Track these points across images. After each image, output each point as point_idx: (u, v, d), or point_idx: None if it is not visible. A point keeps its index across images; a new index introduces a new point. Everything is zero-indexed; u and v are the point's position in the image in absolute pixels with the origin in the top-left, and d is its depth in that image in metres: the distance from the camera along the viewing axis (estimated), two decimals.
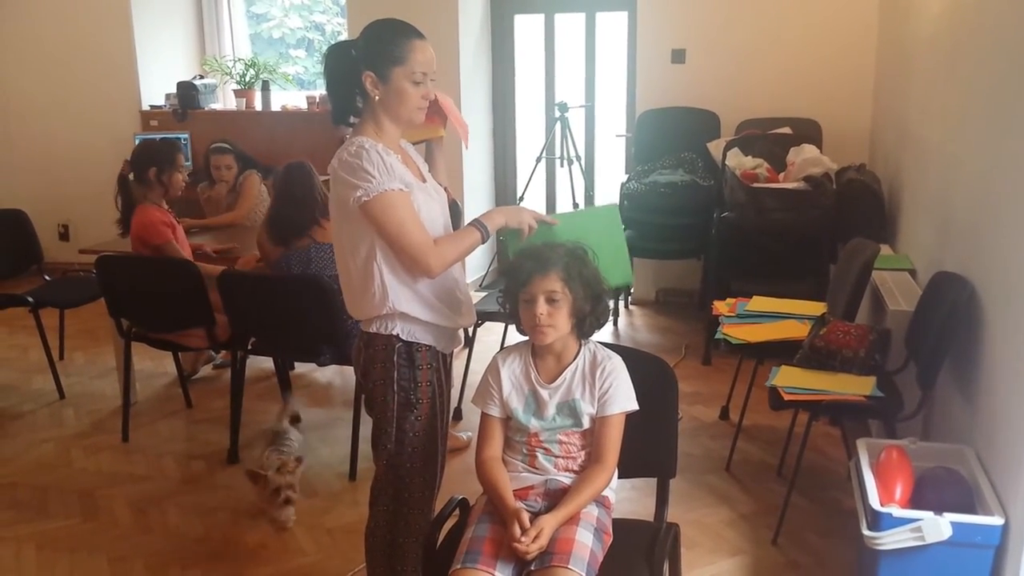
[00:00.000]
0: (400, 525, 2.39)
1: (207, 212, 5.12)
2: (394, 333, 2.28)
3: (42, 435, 4.16)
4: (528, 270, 2.17)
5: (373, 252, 2.23)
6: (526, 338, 2.27)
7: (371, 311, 2.28)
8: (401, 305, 2.25)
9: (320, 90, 6.49)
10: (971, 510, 2.41)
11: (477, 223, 2.31)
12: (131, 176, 4.05)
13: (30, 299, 4.57)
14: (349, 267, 2.29)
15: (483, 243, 2.32)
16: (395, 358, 2.29)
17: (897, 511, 2.38)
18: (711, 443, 3.88)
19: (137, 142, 6.06)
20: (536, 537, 2.01)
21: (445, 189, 2.54)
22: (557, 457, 2.22)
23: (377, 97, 2.24)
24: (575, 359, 2.25)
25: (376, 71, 2.22)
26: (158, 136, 5.91)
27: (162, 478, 3.72)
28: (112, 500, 3.54)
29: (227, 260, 4.25)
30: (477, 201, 6.24)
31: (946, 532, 2.30)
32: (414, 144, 2.52)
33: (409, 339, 2.30)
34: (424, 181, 2.37)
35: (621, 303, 5.69)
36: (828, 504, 3.34)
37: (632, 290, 5.88)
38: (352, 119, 2.33)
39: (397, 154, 2.27)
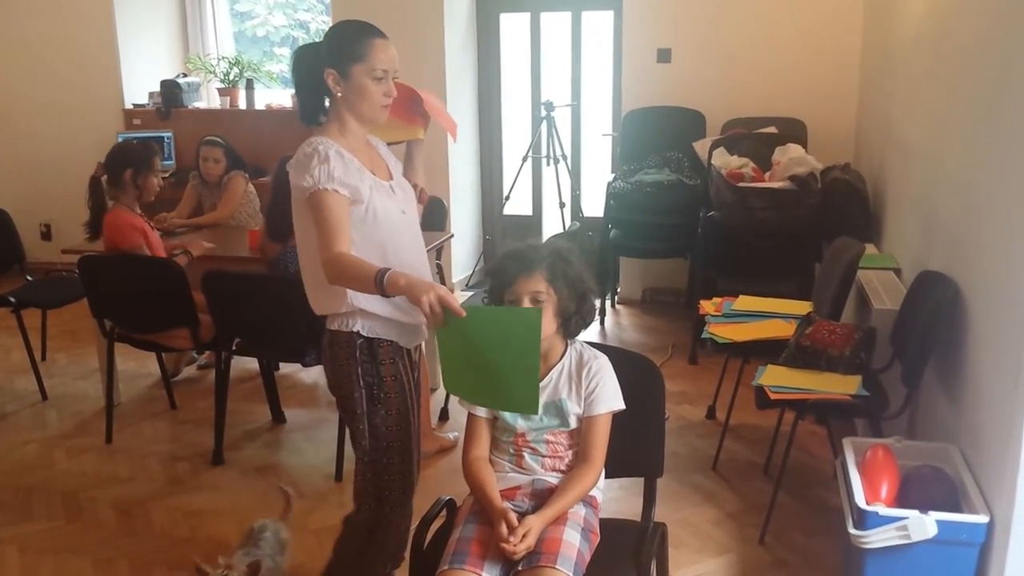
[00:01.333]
0: (381, 522, 2.42)
1: (186, 207, 5.02)
2: (355, 330, 2.30)
3: (25, 436, 4.13)
4: (512, 271, 2.16)
5: None
6: None
7: (332, 307, 2.31)
8: (360, 302, 2.27)
9: None
10: (956, 508, 2.42)
11: (381, 274, 2.08)
12: (104, 178, 3.98)
13: (12, 299, 4.54)
14: (310, 264, 2.31)
15: (374, 290, 2.10)
16: (357, 354, 2.31)
17: (883, 510, 2.39)
18: (698, 442, 3.89)
19: (120, 140, 6.07)
20: (523, 537, 2.01)
21: (420, 189, 2.59)
22: (544, 457, 2.22)
23: (339, 94, 2.29)
24: (561, 359, 2.24)
25: (337, 68, 2.26)
26: (140, 136, 5.88)
27: (146, 479, 3.69)
28: (96, 502, 3.51)
29: (209, 261, 4.19)
30: (463, 200, 6.23)
31: (931, 530, 2.31)
32: (390, 145, 2.54)
33: (370, 335, 2.32)
34: (391, 179, 2.40)
35: (608, 302, 5.69)
36: (814, 503, 3.35)
37: (619, 289, 5.89)
38: (322, 118, 2.36)
39: (358, 154, 2.30)
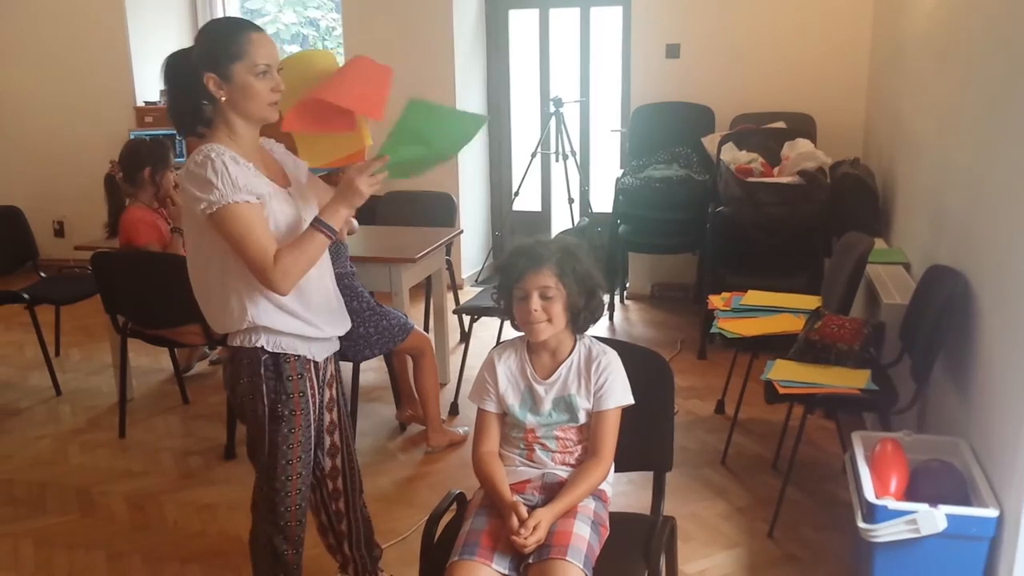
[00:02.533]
0: (278, 537, 2.38)
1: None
2: (259, 345, 2.21)
3: (39, 432, 4.16)
4: (521, 266, 2.17)
5: (227, 265, 2.16)
6: (522, 334, 2.28)
7: (232, 326, 2.22)
8: (261, 319, 2.18)
9: None
10: (966, 502, 2.42)
11: (317, 223, 2.14)
12: (119, 176, 4.01)
13: (26, 296, 4.57)
14: (205, 281, 2.23)
15: (332, 242, 2.17)
16: (261, 371, 2.23)
17: (892, 503, 2.40)
18: (707, 437, 3.89)
19: (132, 139, 6.09)
20: (534, 530, 2.02)
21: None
22: (554, 452, 2.23)
23: (224, 98, 2.13)
24: (570, 354, 2.25)
25: (216, 71, 2.11)
26: (151, 133, 5.90)
27: (159, 474, 3.72)
28: (109, 496, 3.54)
29: None
30: (472, 196, 6.24)
31: (941, 524, 2.31)
32: (337, 170, 2.36)
33: (275, 350, 2.23)
34: (288, 185, 2.28)
35: (617, 298, 5.69)
36: (823, 497, 3.35)
37: (628, 284, 5.89)
38: (200, 129, 2.20)
39: (252, 160, 2.17)
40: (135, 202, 3.99)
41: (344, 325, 2.41)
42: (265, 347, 2.22)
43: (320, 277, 2.30)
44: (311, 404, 2.32)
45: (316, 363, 2.34)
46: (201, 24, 6.76)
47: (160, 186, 4.01)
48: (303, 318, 2.25)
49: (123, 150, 4.09)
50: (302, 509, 2.40)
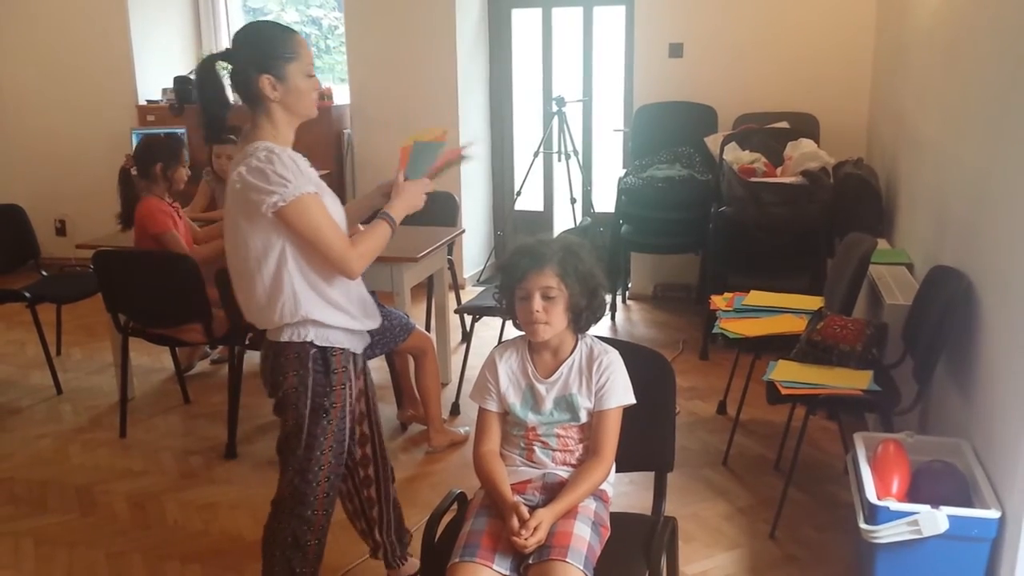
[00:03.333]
0: (303, 527, 2.42)
1: (200, 203, 5.05)
2: (308, 340, 2.29)
3: (39, 430, 4.16)
4: (523, 266, 2.17)
5: (284, 260, 2.22)
6: (523, 333, 2.28)
7: (281, 320, 2.27)
8: (313, 313, 2.26)
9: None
10: (968, 504, 2.42)
11: (384, 215, 2.36)
12: (133, 170, 4.06)
13: (27, 294, 4.57)
14: (254, 278, 2.26)
15: (392, 235, 2.36)
16: (310, 364, 2.30)
17: (894, 505, 2.39)
18: (708, 437, 3.89)
19: (134, 137, 6.10)
20: (535, 530, 2.02)
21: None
22: (555, 451, 2.23)
23: (276, 98, 2.23)
24: (572, 353, 2.25)
25: (273, 72, 2.21)
26: (154, 132, 5.90)
27: (160, 473, 3.72)
28: (110, 495, 3.54)
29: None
30: (474, 195, 6.24)
31: (943, 525, 2.31)
32: (440, 174, 2.55)
33: (324, 344, 2.31)
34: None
35: (619, 298, 5.69)
36: (825, 498, 3.35)
37: (630, 284, 5.89)
38: (227, 135, 2.34)
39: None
40: (149, 195, 4.02)
41: (377, 319, 2.49)
42: (315, 342, 2.29)
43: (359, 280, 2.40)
44: (349, 396, 2.39)
45: (356, 355, 2.42)
46: (203, 23, 6.84)
47: (172, 181, 4.07)
48: (348, 311, 2.33)
49: (137, 145, 4.18)
50: (331, 499, 2.45)
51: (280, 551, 2.44)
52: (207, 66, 2.28)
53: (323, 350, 2.31)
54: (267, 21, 2.32)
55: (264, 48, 2.23)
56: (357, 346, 2.42)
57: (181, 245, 3.97)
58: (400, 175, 2.44)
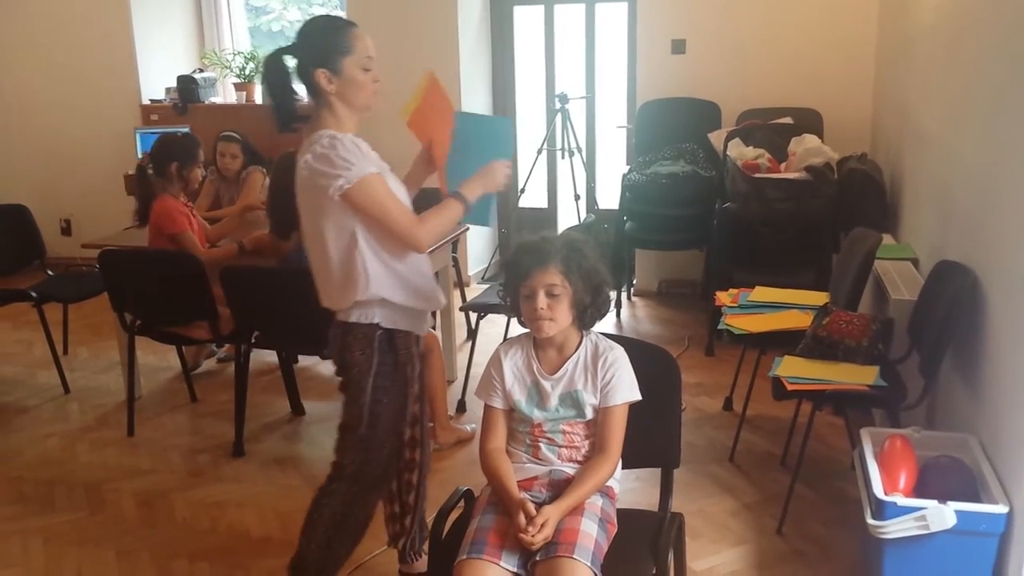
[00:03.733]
0: (356, 502, 2.48)
1: (204, 202, 5.06)
2: (375, 321, 2.36)
3: (47, 429, 4.17)
4: (527, 264, 2.17)
5: (355, 240, 2.30)
6: (528, 330, 2.28)
7: (352, 298, 2.34)
8: (382, 291, 2.33)
9: None
10: (975, 499, 2.42)
11: (457, 195, 2.41)
12: (149, 169, 4.08)
13: (33, 294, 4.58)
14: (329, 259, 2.34)
15: (465, 215, 2.41)
16: (376, 345, 2.37)
17: (901, 500, 2.39)
18: (714, 433, 3.89)
19: (138, 136, 6.11)
20: (541, 527, 2.02)
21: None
22: (560, 447, 2.23)
23: (333, 91, 2.31)
24: (577, 350, 2.25)
25: (328, 66, 2.28)
26: (161, 130, 5.91)
27: (168, 471, 3.73)
28: (118, 494, 3.55)
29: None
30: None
31: (950, 521, 2.31)
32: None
33: (390, 326, 2.38)
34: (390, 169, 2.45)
35: (623, 294, 5.68)
36: (832, 493, 3.35)
37: (635, 281, 5.88)
38: (296, 125, 2.38)
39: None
40: (165, 194, 4.04)
41: (443, 300, 2.54)
42: (382, 324, 2.36)
43: (425, 257, 2.45)
44: (410, 377, 2.45)
45: (418, 337, 2.49)
46: (205, 22, 6.84)
47: (188, 180, 4.11)
48: (416, 291, 2.40)
49: (154, 143, 4.23)
50: (387, 480, 2.52)
51: (324, 528, 2.48)
52: (273, 58, 2.36)
53: (389, 332, 2.38)
54: (325, 15, 2.39)
55: (319, 42, 2.30)
56: (420, 328, 2.49)
57: (197, 247, 4.00)
58: (436, 153, 2.50)
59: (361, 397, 2.40)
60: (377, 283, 2.31)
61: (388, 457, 2.50)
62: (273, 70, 2.35)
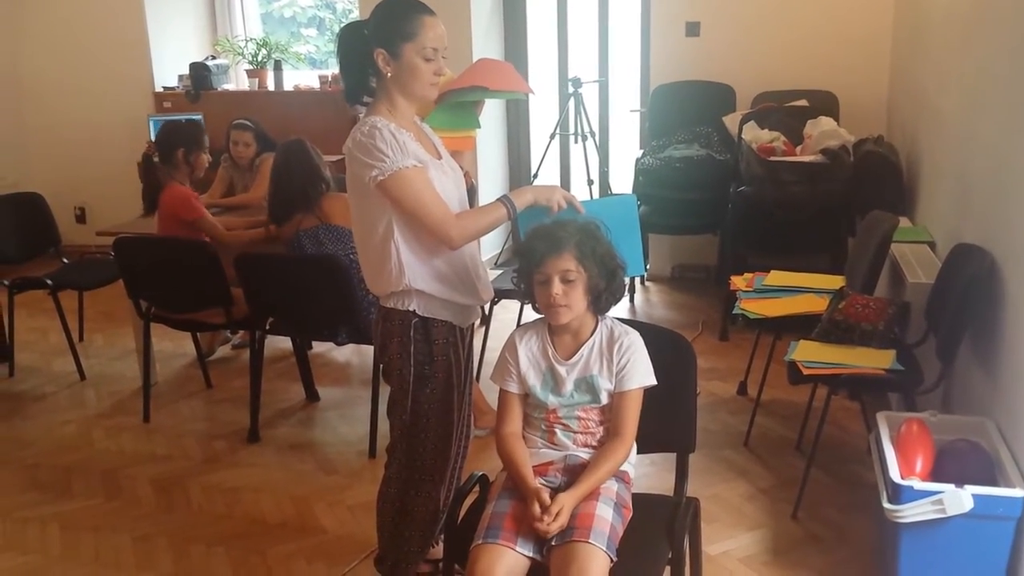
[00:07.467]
0: (411, 491, 2.48)
1: (218, 189, 5.07)
2: (411, 309, 2.35)
3: (64, 416, 4.20)
4: (541, 251, 2.16)
5: (391, 230, 2.28)
6: (543, 316, 2.27)
7: (388, 287, 2.34)
8: (416, 283, 2.31)
9: (332, 69, 6.47)
10: (992, 482, 2.41)
11: (504, 199, 2.34)
12: (155, 157, 4.08)
13: (49, 282, 4.60)
14: (368, 245, 2.34)
15: (509, 220, 2.34)
16: (411, 333, 2.35)
17: (918, 484, 2.38)
18: (729, 418, 3.88)
19: (151, 123, 6.12)
20: (556, 516, 2.02)
21: (466, 172, 2.59)
22: (576, 433, 2.23)
23: (389, 74, 2.29)
24: (592, 335, 2.24)
25: (387, 48, 2.26)
26: (174, 117, 5.91)
27: (184, 457, 3.75)
28: (134, 480, 3.57)
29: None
30: (491, 179, 6.22)
31: (967, 505, 2.29)
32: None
33: (426, 315, 2.36)
34: (440, 158, 2.41)
35: (637, 279, 5.67)
36: (848, 478, 3.33)
37: (648, 267, 5.86)
38: (366, 98, 2.37)
39: (411, 131, 2.31)
40: (173, 181, 4.04)
41: (488, 293, 2.52)
42: (417, 311, 2.35)
43: (471, 245, 2.42)
44: (454, 368, 2.42)
45: (461, 329, 2.46)
46: (218, 9, 6.84)
47: (194, 166, 4.12)
48: (453, 284, 2.37)
49: (159, 131, 4.24)
50: (439, 468, 2.48)
51: (390, 517, 2.52)
52: (348, 31, 2.35)
53: (424, 320, 2.36)
54: None
55: (384, 23, 2.28)
56: (462, 319, 2.45)
57: (218, 229, 4.01)
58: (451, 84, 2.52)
59: (402, 385, 2.40)
60: (412, 275, 2.30)
61: (437, 447, 2.46)
62: (344, 41, 2.35)
